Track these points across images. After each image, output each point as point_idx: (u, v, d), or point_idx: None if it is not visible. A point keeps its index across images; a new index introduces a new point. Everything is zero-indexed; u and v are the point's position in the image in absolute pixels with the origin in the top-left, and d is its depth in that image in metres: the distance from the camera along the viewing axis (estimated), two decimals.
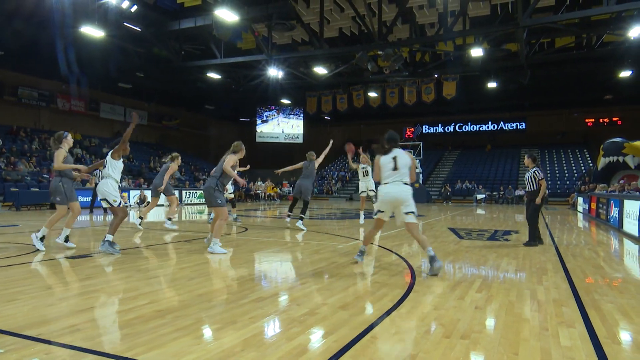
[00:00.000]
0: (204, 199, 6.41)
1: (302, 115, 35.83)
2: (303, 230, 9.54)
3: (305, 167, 9.83)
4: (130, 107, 30.33)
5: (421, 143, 29.43)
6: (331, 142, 10.29)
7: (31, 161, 19.90)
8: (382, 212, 5.11)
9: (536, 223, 7.52)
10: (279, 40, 19.92)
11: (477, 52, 19.31)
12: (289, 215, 9.89)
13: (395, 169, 4.97)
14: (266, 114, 36.11)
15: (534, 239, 7.47)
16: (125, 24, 17.94)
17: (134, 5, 16.38)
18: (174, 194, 9.72)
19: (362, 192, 10.48)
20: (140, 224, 9.48)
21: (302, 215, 9.74)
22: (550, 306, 3.72)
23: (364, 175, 10.47)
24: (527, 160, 7.64)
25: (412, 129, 33.42)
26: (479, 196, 26.38)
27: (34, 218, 12.89)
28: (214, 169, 6.59)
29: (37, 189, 17.42)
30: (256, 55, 20.37)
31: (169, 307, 3.58)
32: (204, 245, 7.14)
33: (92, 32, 16.61)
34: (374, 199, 10.62)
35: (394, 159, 5.01)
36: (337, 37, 19.26)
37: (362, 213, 10.55)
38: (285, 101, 33.30)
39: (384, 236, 8.80)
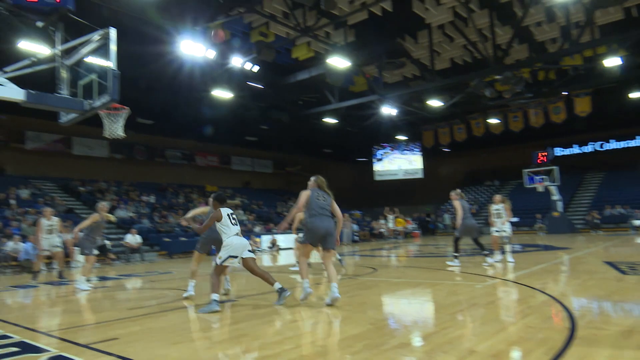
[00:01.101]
0: (326, 242, 5.87)
1: (419, 149, 35.38)
2: (491, 261, 9.50)
3: (463, 206, 9.74)
4: (256, 158, 33.07)
5: (556, 167, 26.52)
6: None
7: (179, 213, 22.49)
8: None
9: None
10: (389, 78, 20.19)
11: (612, 61, 17.34)
12: (456, 257, 9.66)
13: None
14: (380, 152, 36.51)
15: None
16: (248, 82, 19.90)
17: (255, 65, 18.11)
18: None
19: (497, 231, 10.04)
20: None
21: (487, 252, 9.63)
22: None
23: (497, 217, 10.16)
24: None
25: (544, 153, 30.32)
26: (637, 222, 22.71)
27: (185, 265, 14.39)
28: (322, 207, 6.06)
29: (185, 239, 19.51)
30: (369, 96, 20.83)
31: (313, 352, 3.63)
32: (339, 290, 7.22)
33: (222, 94, 18.72)
34: (504, 239, 10.16)
35: None
36: (449, 68, 18.87)
37: (495, 251, 9.91)
38: (401, 137, 33.29)
39: (525, 274, 8.01)
